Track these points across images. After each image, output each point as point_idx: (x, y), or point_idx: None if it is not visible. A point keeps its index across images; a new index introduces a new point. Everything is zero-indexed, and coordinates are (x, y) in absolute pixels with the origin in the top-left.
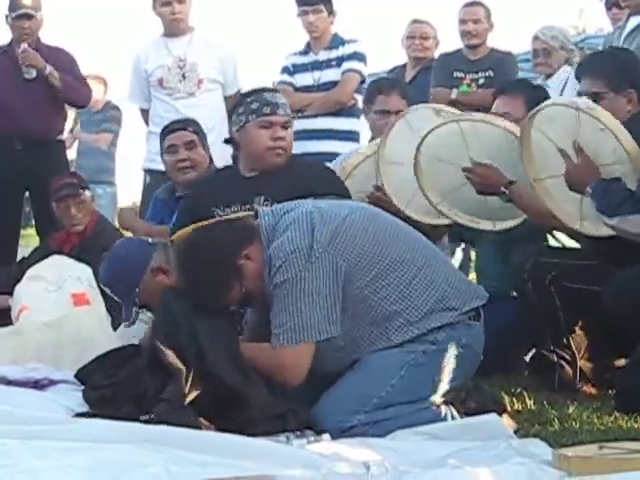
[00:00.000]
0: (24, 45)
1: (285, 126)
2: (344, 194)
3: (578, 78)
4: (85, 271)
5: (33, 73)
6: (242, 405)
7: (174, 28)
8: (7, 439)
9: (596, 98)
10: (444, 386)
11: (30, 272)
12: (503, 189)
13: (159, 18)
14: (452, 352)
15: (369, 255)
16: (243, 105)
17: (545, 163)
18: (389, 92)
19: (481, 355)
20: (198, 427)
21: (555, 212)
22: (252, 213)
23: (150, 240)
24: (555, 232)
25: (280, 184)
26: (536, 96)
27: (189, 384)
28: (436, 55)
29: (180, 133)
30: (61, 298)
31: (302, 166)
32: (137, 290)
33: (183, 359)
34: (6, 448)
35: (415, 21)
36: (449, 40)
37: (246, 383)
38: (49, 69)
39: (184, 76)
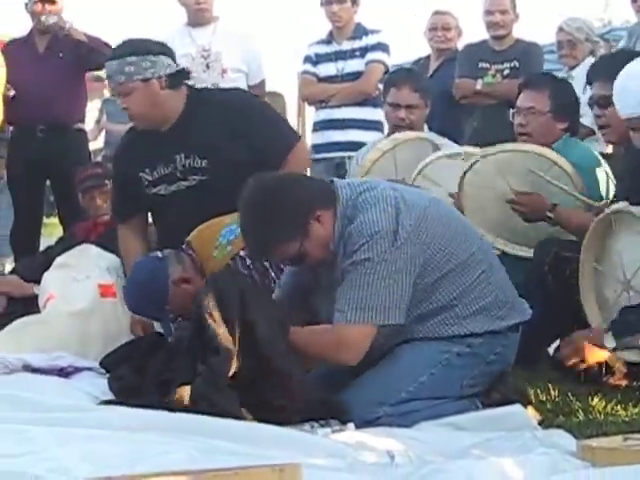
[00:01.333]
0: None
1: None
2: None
3: (590, 83)
4: (114, 261)
5: (51, 19)
6: (283, 389)
7: (198, 17)
8: (31, 426)
9: (608, 102)
10: (471, 389)
11: (59, 260)
12: (548, 213)
13: (183, 7)
14: (485, 359)
15: (444, 252)
16: None
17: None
18: (401, 85)
19: (511, 364)
20: (237, 412)
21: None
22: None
23: (159, 254)
24: None
25: (194, 134)
26: (561, 89)
27: (234, 365)
28: (459, 46)
29: None
30: (88, 288)
31: (217, 108)
32: (167, 307)
33: (233, 338)
34: (30, 435)
35: (437, 12)
36: (472, 30)
37: (291, 367)
38: (69, 24)
39: (208, 66)
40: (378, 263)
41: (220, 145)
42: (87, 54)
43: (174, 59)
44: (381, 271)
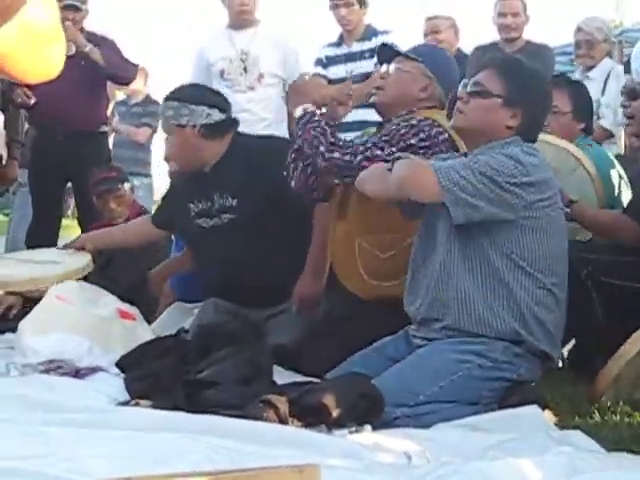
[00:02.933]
0: (67, 22)
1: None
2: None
3: (627, 71)
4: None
5: (72, 49)
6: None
7: (241, 20)
8: (49, 427)
9: (636, 94)
10: (488, 399)
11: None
12: (566, 209)
13: (226, 9)
14: (506, 376)
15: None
16: None
17: None
18: None
19: (534, 381)
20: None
21: None
22: None
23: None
24: None
25: (230, 175)
26: (578, 92)
27: None
28: (460, 44)
29: None
30: (108, 306)
31: (245, 151)
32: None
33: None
34: (48, 436)
35: (427, 18)
36: (477, 32)
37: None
38: (89, 47)
39: (245, 69)
40: (486, 162)
41: (250, 185)
42: (108, 78)
43: (225, 110)
44: (486, 173)
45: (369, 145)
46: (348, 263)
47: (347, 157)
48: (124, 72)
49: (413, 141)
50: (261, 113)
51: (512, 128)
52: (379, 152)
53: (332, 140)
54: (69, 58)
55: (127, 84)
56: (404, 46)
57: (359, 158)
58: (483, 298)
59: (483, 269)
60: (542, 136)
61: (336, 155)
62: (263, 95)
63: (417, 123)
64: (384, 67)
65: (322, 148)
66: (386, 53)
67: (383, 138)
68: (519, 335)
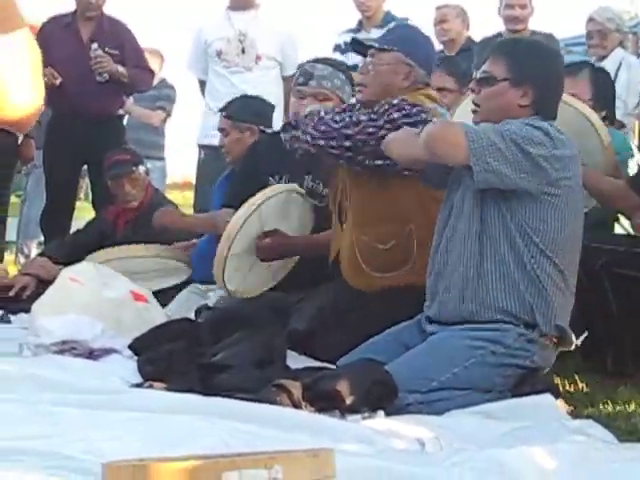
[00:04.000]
0: (95, 45)
1: (317, 97)
2: None
3: None
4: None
5: (106, 76)
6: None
7: (242, 0)
8: (64, 407)
9: None
10: (502, 386)
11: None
12: None
13: None
14: (519, 363)
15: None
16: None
17: None
18: (435, 68)
19: (547, 368)
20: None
21: None
22: None
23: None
24: (621, 220)
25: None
26: (600, 79)
27: None
28: (470, 34)
29: (220, 118)
30: (120, 288)
31: None
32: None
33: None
34: (62, 417)
35: (437, 7)
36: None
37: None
38: (120, 70)
39: (243, 50)
40: (516, 134)
41: None
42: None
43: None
44: (516, 140)
45: (352, 114)
46: (350, 260)
47: (331, 122)
48: (141, 85)
49: (395, 115)
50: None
51: (526, 106)
52: (363, 117)
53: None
54: (93, 40)
55: (144, 92)
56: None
57: (346, 121)
58: (501, 271)
59: (503, 243)
60: (566, 97)
61: (322, 128)
62: (260, 77)
63: (398, 102)
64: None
65: (309, 127)
66: (359, 48)
67: (367, 111)
68: (532, 312)
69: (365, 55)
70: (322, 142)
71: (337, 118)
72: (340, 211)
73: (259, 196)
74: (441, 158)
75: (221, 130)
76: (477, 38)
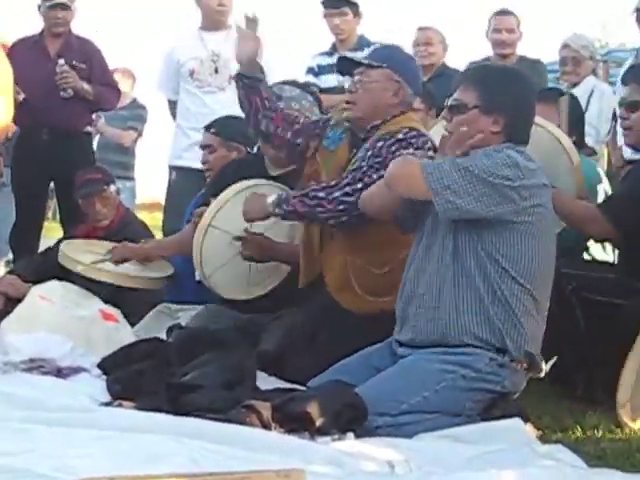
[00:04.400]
0: (61, 61)
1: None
2: None
3: (623, 82)
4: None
5: (70, 92)
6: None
7: (215, 21)
8: (34, 424)
9: (637, 107)
10: (472, 411)
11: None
12: None
13: (201, 10)
14: (490, 388)
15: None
16: None
17: None
18: None
19: (517, 393)
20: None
21: None
22: None
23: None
24: (590, 248)
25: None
26: (570, 105)
27: None
28: (445, 60)
29: (204, 134)
30: (91, 307)
31: None
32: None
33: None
34: (33, 434)
35: (420, 28)
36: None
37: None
38: (85, 87)
39: (216, 70)
40: (478, 168)
41: None
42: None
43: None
44: (479, 174)
45: (364, 169)
46: (341, 280)
47: (348, 189)
48: (107, 104)
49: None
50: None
51: (498, 133)
52: (376, 175)
53: (323, 185)
54: (60, 55)
55: (109, 110)
56: None
57: (359, 186)
58: (472, 297)
59: (474, 270)
60: (538, 119)
61: (337, 194)
62: (232, 97)
63: (404, 137)
64: (350, 80)
65: (321, 194)
66: (347, 65)
67: (375, 160)
68: (503, 338)
69: (349, 74)
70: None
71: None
72: (322, 233)
73: (256, 180)
74: (403, 194)
75: (206, 147)
76: (457, 62)
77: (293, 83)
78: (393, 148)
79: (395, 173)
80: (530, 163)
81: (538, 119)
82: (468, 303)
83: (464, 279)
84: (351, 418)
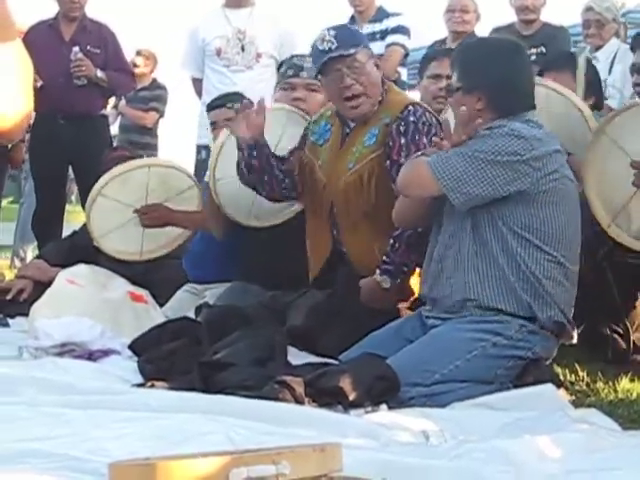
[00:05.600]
0: (76, 49)
1: (309, 88)
2: None
3: (633, 49)
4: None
5: (84, 81)
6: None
7: None
8: (68, 409)
9: None
10: (504, 377)
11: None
12: None
13: None
14: (521, 355)
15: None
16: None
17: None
18: (442, 58)
19: (549, 358)
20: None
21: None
22: None
23: None
24: None
25: None
26: (586, 67)
27: None
28: (476, 29)
29: (219, 111)
30: (118, 289)
31: None
32: (356, 49)
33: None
34: (66, 418)
35: None
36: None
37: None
38: (99, 75)
39: (243, 48)
40: (484, 152)
41: None
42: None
43: None
44: (485, 157)
45: None
46: (370, 264)
47: None
48: (121, 89)
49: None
50: (259, 93)
51: (482, 110)
52: None
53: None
54: (75, 39)
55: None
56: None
57: None
58: (496, 275)
59: (495, 246)
60: (551, 84)
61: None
62: (261, 75)
63: (416, 119)
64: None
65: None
66: (329, 65)
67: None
68: (531, 309)
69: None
70: None
71: None
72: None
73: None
74: (419, 197)
75: (229, 120)
76: (482, 28)
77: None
78: (412, 134)
79: (404, 179)
80: (537, 131)
81: (555, 85)
82: (493, 280)
83: (486, 256)
84: (384, 390)
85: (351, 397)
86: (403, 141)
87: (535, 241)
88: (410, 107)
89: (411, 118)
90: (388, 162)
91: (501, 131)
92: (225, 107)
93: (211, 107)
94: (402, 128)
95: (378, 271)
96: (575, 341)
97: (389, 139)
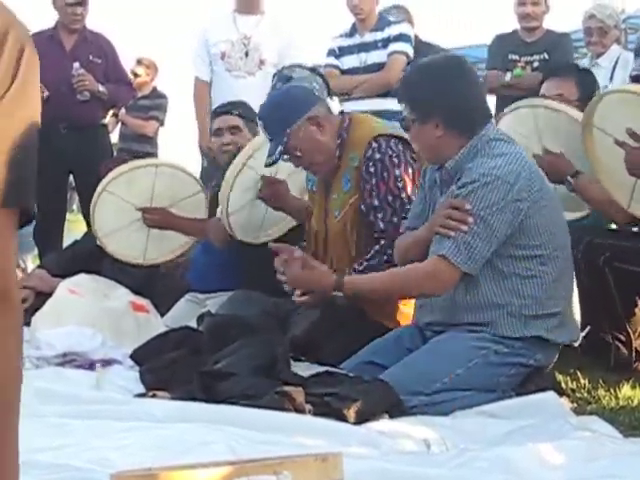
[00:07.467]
0: (77, 64)
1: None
2: None
3: (637, 55)
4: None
5: (87, 95)
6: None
7: (247, 5)
8: (70, 419)
9: None
10: (506, 385)
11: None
12: (569, 178)
13: None
14: (523, 362)
15: (540, 238)
16: None
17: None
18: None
19: (550, 365)
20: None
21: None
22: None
23: (316, 92)
24: None
25: None
26: (586, 80)
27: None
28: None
29: (225, 117)
30: (120, 299)
31: None
32: (288, 131)
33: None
34: (69, 428)
35: None
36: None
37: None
38: (101, 89)
39: (247, 54)
40: (488, 207)
41: None
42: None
43: None
44: (487, 216)
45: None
46: None
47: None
48: (120, 101)
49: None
50: (259, 101)
51: (444, 135)
52: (395, 219)
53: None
54: (75, 50)
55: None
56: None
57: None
58: (485, 305)
59: (487, 269)
60: (556, 105)
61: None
62: (261, 82)
63: (381, 155)
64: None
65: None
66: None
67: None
68: (528, 329)
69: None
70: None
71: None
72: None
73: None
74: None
75: (233, 128)
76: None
77: (300, 66)
78: (381, 173)
79: (429, 289)
80: (504, 160)
81: (556, 104)
82: (482, 304)
83: (473, 284)
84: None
85: (352, 421)
86: (374, 181)
87: (520, 252)
88: (373, 144)
89: (377, 156)
90: (363, 206)
91: (475, 185)
92: (230, 114)
93: (217, 113)
94: (371, 169)
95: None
96: (577, 344)
97: (362, 182)
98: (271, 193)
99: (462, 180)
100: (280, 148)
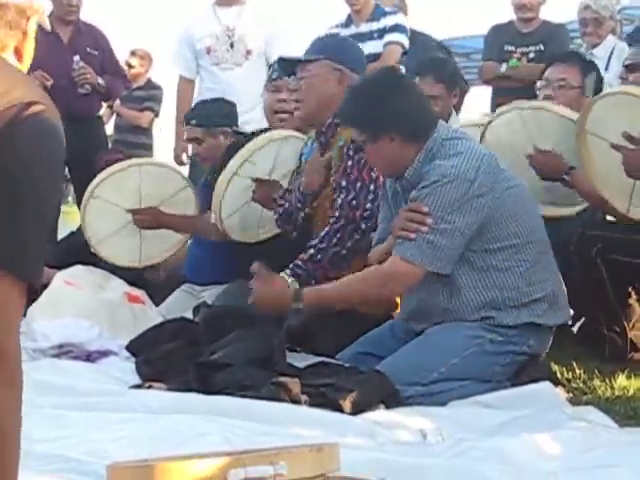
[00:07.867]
0: (77, 58)
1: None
2: None
3: (630, 45)
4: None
5: (88, 88)
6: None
7: None
8: (66, 410)
9: (635, 68)
10: (501, 375)
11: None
12: (565, 176)
13: None
14: (517, 349)
15: (511, 227)
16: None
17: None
18: (424, 75)
19: (544, 353)
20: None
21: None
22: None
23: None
24: None
25: None
26: (590, 70)
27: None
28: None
29: (187, 128)
30: (115, 290)
31: None
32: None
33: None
34: (66, 420)
35: None
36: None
37: None
38: (100, 82)
39: (232, 45)
40: (448, 206)
41: None
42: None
43: None
44: (448, 215)
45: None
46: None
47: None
48: (117, 92)
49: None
50: (249, 90)
51: (400, 146)
52: (355, 202)
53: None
54: (72, 42)
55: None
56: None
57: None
58: (475, 296)
59: (464, 268)
60: (548, 105)
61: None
62: (249, 72)
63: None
64: (292, 79)
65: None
66: (287, 66)
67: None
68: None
69: (293, 74)
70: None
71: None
72: None
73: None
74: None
75: (193, 140)
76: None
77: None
78: (359, 157)
79: (390, 289)
80: (458, 143)
81: (548, 105)
82: (468, 305)
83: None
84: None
85: (348, 411)
86: (349, 163)
87: (495, 244)
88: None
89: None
90: (334, 184)
91: (435, 186)
92: (189, 124)
93: (184, 121)
94: (351, 152)
95: (288, 271)
96: (572, 334)
97: (342, 162)
98: (265, 195)
99: (422, 183)
100: (298, 66)
